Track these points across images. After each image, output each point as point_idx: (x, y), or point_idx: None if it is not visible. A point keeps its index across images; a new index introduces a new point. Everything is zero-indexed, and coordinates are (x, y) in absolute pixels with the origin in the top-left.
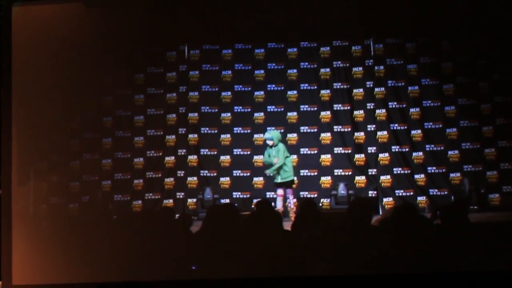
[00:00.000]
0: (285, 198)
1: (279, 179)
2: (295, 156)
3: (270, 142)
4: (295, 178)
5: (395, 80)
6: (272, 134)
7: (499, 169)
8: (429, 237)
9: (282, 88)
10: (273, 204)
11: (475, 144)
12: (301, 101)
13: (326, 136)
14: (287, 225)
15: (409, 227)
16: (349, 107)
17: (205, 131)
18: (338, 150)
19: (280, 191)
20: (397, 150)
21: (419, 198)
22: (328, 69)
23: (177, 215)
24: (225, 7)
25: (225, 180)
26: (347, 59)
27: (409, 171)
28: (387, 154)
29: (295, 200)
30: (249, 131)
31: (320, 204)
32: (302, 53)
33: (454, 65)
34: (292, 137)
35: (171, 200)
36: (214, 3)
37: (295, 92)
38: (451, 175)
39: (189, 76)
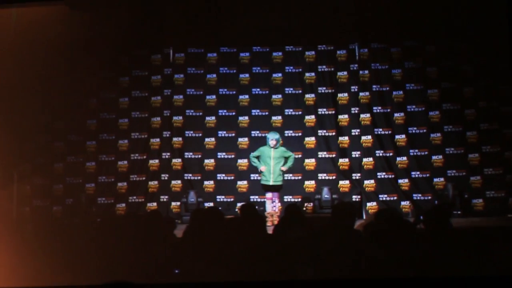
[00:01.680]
0: (272, 201)
1: (271, 182)
2: None
3: (273, 143)
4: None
5: (379, 85)
6: (278, 135)
7: (483, 174)
8: (412, 242)
9: (267, 92)
10: (257, 207)
11: (459, 149)
12: (286, 105)
13: (310, 140)
14: (270, 229)
15: (392, 231)
16: (333, 112)
17: (190, 135)
18: (322, 154)
19: (269, 194)
20: (381, 154)
21: (402, 203)
22: (313, 73)
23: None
24: (210, 11)
25: (209, 184)
26: (332, 64)
27: (393, 176)
28: (371, 159)
29: (279, 204)
30: (233, 134)
31: (304, 208)
32: (287, 57)
33: (438, 70)
34: None
35: (154, 203)
36: (199, 7)
37: (279, 96)
38: (435, 180)
39: (174, 79)
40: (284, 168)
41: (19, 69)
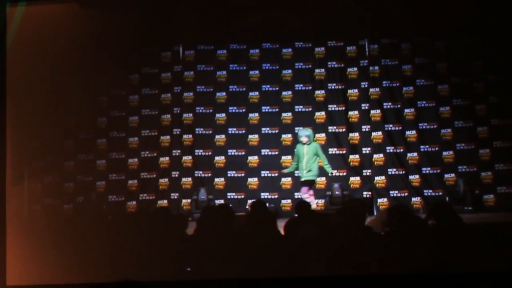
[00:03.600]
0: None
1: (303, 177)
2: (289, 157)
3: (304, 139)
4: (289, 179)
5: (389, 81)
6: (310, 131)
7: (494, 170)
8: (423, 238)
9: (277, 88)
10: (267, 204)
11: (470, 144)
12: (296, 101)
13: (320, 137)
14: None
15: (403, 227)
16: (343, 108)
17: (200, 132)
18: (332, 150)
19: (303, 189)
20: (391, 150)
21: (413, 199)
22: (323, 70)
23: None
24: (220, 8)
25: (219, 181)
26: (342, 60)
27: (403, 172)
28: (381, 155)
29: (313, 198)
30: (243, 131)
31: (315, 205)
32: (297, 54)
33: (449, 66)
34: (287, 137)
35: (165, 201)
36: (209, 4)
37: (289, 92)
38: (446, 175)
39: (184, 76)
40: (326, 167)
41: (29, 67)
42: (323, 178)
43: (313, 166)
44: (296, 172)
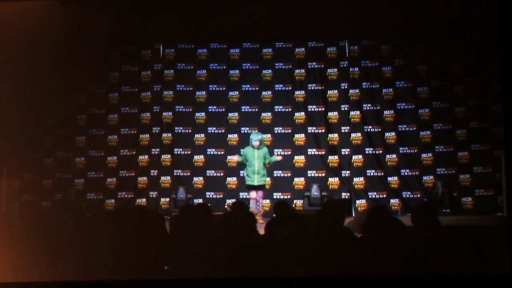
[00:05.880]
0: (256, 200)
1: (255, 182)
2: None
3: (256, 143)
4: (268, 179)
5: (369, 82)
6: (261, 136)
7: (472, 173)
8: (401, 240)
9: (257, 88)
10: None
11: (449, 147)
12: (276, 101)
13: (300, 137)
14: (258, 227)
15: (381, 229)
16: (323, 109)
17: (179, 131)
18: (311, 151)
19: (253, 194)
20: (370, 152)
21: (392, 201)
22: (303, 70)
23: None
24: (201, 7)
25: (198, 180)
26: (322, 60)
27: (382, 173)
28: (360, 156)
29: (263, 202)
30: (223, 131)
31: (293, 206)
32: (277, 54)
33: (429, 68)
34: (266, 137)
35: (144, 199)
36: (190, 3)
37: (269, 92)
38: (424, 178)
39: (163, 75)
40: (268, 164)
41: (7, 64)
42: (302, 179)
43: (265, 170)
44: (243, 172)
